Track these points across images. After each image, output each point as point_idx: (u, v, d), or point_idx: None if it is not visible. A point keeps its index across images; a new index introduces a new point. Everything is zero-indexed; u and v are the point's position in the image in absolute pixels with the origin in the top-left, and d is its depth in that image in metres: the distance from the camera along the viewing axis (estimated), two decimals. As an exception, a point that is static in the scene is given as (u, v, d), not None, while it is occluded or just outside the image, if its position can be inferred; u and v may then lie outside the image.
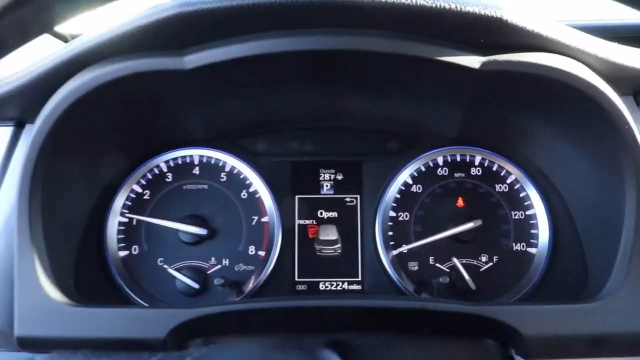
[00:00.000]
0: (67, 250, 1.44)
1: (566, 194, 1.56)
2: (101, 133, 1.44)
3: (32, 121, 1.35)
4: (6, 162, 1.43)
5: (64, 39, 1.93)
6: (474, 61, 1.22)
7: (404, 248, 1.59)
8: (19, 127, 1.48)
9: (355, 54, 1.23)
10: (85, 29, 1.90)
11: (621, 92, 1.42)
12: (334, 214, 1.64)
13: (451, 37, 1.23)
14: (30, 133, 1.31)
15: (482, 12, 1.15)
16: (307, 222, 1.64)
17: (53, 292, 1.27)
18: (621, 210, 1.29)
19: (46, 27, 1.23)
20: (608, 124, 1.26)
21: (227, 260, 1.59)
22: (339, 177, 1.67)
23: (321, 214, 1.64)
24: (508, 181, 1.63)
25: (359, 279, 1.61)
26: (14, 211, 1.29)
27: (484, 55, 1.23)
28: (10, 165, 1.43)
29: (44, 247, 1.30)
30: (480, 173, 1.64)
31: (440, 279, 1.48)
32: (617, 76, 1.38)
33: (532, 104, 1.40)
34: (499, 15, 1.16)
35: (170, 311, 1.25)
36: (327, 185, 1.66)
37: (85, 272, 1.48)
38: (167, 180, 1.63)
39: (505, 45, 1.23)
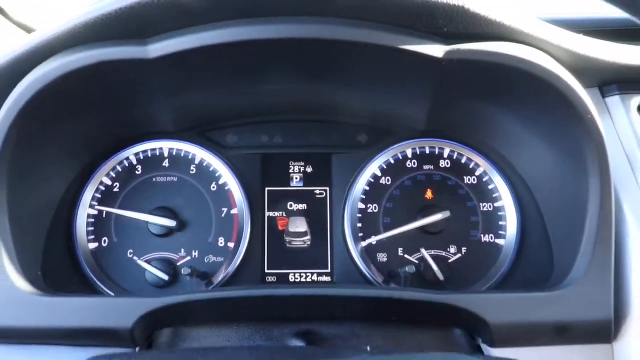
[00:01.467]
0: (34, 242, 1.44)
1: (533, 185, 1.58)
2: (67, 124, 1.44)
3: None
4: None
5: (29, 30, 1.93)
6: (437, 50, 1.24)
7: (373, 239, 1.60)
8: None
9: (319, 43, 1.24)
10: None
11: (587, 84, 1.44)
12: (304, 206, 1.65)
13: (415, 26, 1.24)
14: None
15: (444, 0, 1.17)
16: (277, 214, 1.65)
17: (19, 281, 1.27)
18: (585, 200, 1.31)
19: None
20: (571, 114, 1.28)
21: (197, 252, 1.59)
22: (309, 169, 1.68)
23: (291, 206, 1.65)
24: (477, 173, 1.64)
25: (329, 270, 1.62)
26: None
27: (448, 44, 1.24)
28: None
29: (10, 238, 1.30)
30: (449, 165, 1.65)
31: (407, 269, 1.48)
32: (583, 68, 1.40)
33: (497, 95, 1.41)
34: (461, 4, 1.17)
35: (138, 300, 1.25)
36: (296, 178, 1.67)
37: (53, 264, 1.48)
38: (136, 172, 1.63)
39: (468, 34, 1.25)
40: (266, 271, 1.61)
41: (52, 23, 1.30)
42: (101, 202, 1.60)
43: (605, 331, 1.27)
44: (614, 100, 1.50)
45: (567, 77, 1.27)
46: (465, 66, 1.27)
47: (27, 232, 1.38)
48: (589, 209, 1.30)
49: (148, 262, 1.56)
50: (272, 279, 1.61)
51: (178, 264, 1.57)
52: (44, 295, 1.27)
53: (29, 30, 1.96)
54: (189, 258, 1.58)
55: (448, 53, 1.24)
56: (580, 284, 1.27)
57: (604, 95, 1.51)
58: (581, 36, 1.41)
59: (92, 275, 1.55)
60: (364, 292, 1.29)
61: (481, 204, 1.63)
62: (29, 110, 1.27)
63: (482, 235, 1.61)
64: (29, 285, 1.28)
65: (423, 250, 1.57)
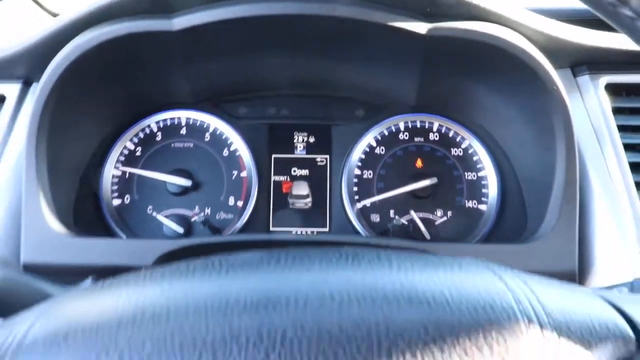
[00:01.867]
0: (67, 193, 1.62)
1: (512, 155, 1.74)
2: (98, 92, 1.63)
3: (38, 80, 1.53)
4: (15, 114, 1.63)
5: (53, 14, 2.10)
6: (421, 27, 1.42)
7: (367, 202, 1.77)
8: (27, 85, 1.67)
9: (318, 19, 1.43)
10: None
11: (559, 65, 1.62)
12: (306, 172, 1.83)
13: (403, 6, 1.42)
14: (36, 90, 1.51)
15: (427, -17, 1.36)
16: (281, 178, 1.82)
17: (55, 224, 1.46)
18: (553, 164, 1.48)
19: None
20: (540, 87, 1.45)
21: (209, 209, 1.76)
22: (311, 139, 1.85)
23: (294, 171, 1.82)
24: (463, 146, 1.81)
25: (327, 229, 1.79)
26: (23, 156, 1.47)
27: (431, 22, 1.43)
28: (19, 118, 1.62)
29: (47, 187, 1.48)
30: (437, 138, 1.82)
31: (394, 221, 1.64)
32: (554, 48, 1.57)
33: (477, 71, 1.59)
34: (441, -14, 1.36)
35: (158, 242, 1.44)
36: (300, 147, 1.84)
37: (82, 218, 1.65)
38: (156, 139, 1.81)
39: (450, 14, 1.43)
40: (271, 228, 1.78)
41: (84, 3, 1.50)
42: (124, 163, 1.78)
43: (571, 281, 1.41)
44: (584, 80, 1.67)
45: (535, 53, 1.44)
46: (446, 43, 1.45)
47: (61, 184, 1.57)
48: (556, 171, 1.48)
49: (165, 217, 1.74)
50: (276, 235, 1.78)
51: (192, 219, 1.74)
52: (75, 236, 1.46)
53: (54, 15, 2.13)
54: (202, 214, 1.75)
55: (430, 30, 1.43)
56: (547, 238, 1.44)
57: (575, 75, 1.68)
58: (553, 20, 1.59)
59: (115, 228, 1.72)
60: (355, 239, 1.47)
61: (466, 173, 1.79)
62: (67, 76, 1.47)
63: (466, 201, 1.77)
64: (63, 228, 1.46)
65: (412, 212, 1.74)
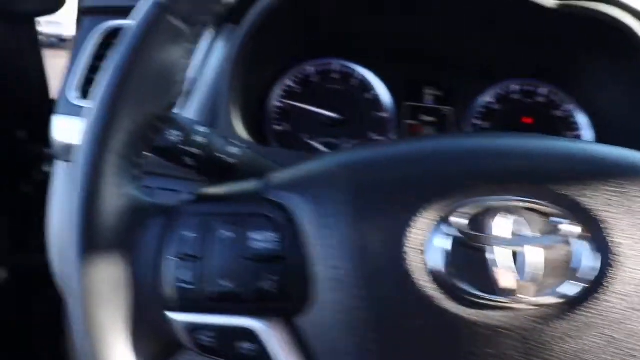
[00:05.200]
0: (244, 113, 2.01)
1: (607, 121, 2.07)
2: (278, 38, 2.02)
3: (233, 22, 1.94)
4: (212, 47, 2.03)
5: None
6: (551, 3, 1.77)
7: (481, 143, 2.13)
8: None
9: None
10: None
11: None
12: (432, 119, 2.18)
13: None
14: (229, 29, 1.92)
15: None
16: (412, 122, 2.18)
17: (242, 132, 1.85)
18: None
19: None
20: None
21: (354, 140, 2.14)
22: (439, 93, 2.20)
23: (422, 117, 2.18)
24: (564, 109, 2.15)
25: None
26: (219, 77, 1.89)
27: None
28: (214, 50, 2.03)
29: (237, 104, 1.89)
30: (545, 101, 2.16)
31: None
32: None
33: (590, 48, 1.92)
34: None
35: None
36: (428, 98, 2.20)
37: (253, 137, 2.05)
38: (312, 80, 2.18)
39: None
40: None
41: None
42: (285, 97, 2.15)
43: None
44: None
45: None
46: (572, 19, 1.79)
47: (242, 106, 1.96)
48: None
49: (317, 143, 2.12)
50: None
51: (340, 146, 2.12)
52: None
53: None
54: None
55: (560, 5, 1.77)
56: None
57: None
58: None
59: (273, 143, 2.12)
60: None
61: (566, 133, 2.13)
62: (265, 24, 1.86)
63: (564, 156, 2.11)
64: (247, 135, 1.87)
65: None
